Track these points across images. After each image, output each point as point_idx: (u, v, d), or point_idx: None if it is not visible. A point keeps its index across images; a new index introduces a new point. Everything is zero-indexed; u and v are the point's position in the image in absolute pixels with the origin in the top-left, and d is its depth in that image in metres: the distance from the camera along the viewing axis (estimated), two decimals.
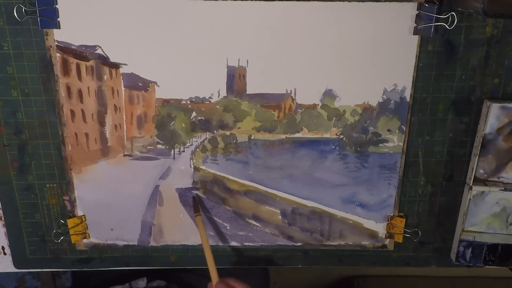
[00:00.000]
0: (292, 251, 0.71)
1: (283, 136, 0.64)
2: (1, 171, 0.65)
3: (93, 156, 0.64)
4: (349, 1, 0.56)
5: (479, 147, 0.62)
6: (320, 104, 0.62)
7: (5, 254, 0.71)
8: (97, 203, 0.67)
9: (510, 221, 0.66)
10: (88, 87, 0.61)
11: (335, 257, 0.71)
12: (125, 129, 0.63)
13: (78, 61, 0.59)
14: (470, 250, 0.67)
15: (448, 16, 0.56)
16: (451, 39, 0.59)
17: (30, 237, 0.69)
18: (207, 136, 0.64)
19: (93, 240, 0.69)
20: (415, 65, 0.60)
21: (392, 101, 0.62)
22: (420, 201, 0.67)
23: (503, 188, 0.63)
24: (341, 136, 0.64)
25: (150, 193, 0.67)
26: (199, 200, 0.67)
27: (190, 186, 0.67)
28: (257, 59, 0.59)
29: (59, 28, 0.57)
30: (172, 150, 0.65)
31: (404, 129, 0.63)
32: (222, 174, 0.66)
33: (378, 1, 0.56)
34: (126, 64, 0.60)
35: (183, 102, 0.62)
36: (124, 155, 0.65)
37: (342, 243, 0.69)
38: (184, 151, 0.65)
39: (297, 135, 0.64)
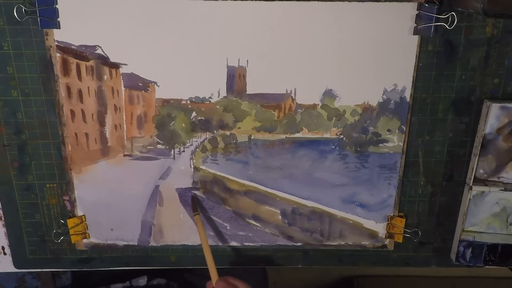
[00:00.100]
0: (292, 251, 0.71)
1: (283, 136, 0.64)
2: (1, 171, 0.65)
3: (93, 156, 0.64)
4: (349, 1, 0.56)
5: (479, 147, 0.62)
6: (320, 104, 0.62)
7: (5, 254, 0.71)
8: (97, 203, 0.67)
9: (510, 221, 0.66)
10: (88, 87, 0.61)
11: (335, 257, 0.71)
12: (125, 129, 0.63)
13: (78, 61, 0.59)
14: (470, 250, 0.67)
15: (448, 16, 0.56)
16: (451, 39, 0.59)
17: (30, 237, 0.69)
18: (207, 136, 0.64)
19: (93, 240, 0.69)
20: (415, 65, 0.60)
21: (392, 101, 0.62)
22: (420, 201, 0.67)
23: (503, 188, 0.63)
24: (341, 136, 0.64)
25: (150, 193, 0.67)
26: (198, 200, 0.67)
27: (190, 186, 0.67)
28: (257, 59, 0.59)
29: (59, 28, 0.57)
30: (172, 150, 0.65)
31: (404, 129, 0.63)
32: (222, 174, 0.66)
33: (378, 1, 0.56)
34: (126, 64, 0.60)
35: (183, 102, 0.62)
36: (124, 155, 0.65)
37: (342, 243, 0.69)
38: (184, 151, 0.65)
39: (297, 135, 0.64)
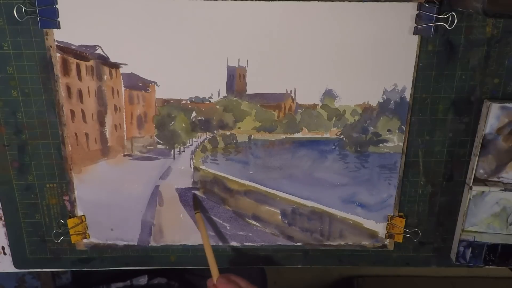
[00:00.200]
0: (292, 251, 0.71)
1: (283, 136, 0.64)
2: (1, 171, 0.65)
3: (93, 156, 0.64)
4: (349, 1, 0.56)
5: (479, 147, 0.62)
6: (320, 104, 0.62)
7: (5, 254, 0.71)
8: (97, 203, 0.67)
9: (510, 221, 0.66)
10: (88, 87, 0.61)
11: (335, 257, 0.71)
12: (125, 129, 0.63)
13: (78, 61, 0.60)
14: (470, 250, 0.67)
15: (448, 16, 0.56)
16: (451, 39, 0.59)
17: (30, 237, 0.69)
18: (207, 136, 0.64)
19: (93, 240, 0.69)
20: (415, 65, 0.60)
21: (392, 101, 0.62)
22: (420, 201, 0.67)
23: (503, 188, 0.63)
24: (341, 136, 0.64)
25: (150, 193, 0.67)
26: (199, 199, 0.67)
27: (190, 186, 0.67)
28: (257, 59, 0.59)
29: (59, 28, 0.57)
30: (172, 150, 0.65)
31: (404, 129, 0.63)
32: (222, 174, 0.66)
33: (378, 1, 0.56)
34: (126, 64, 0.60)
35: (183, 102, 0.62)
36: (124, 155, 0.65)
37: (342, 243, 0.69)
38: (184, 151, 0.65)
39: (297, 135, 0.64)
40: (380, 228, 0.68)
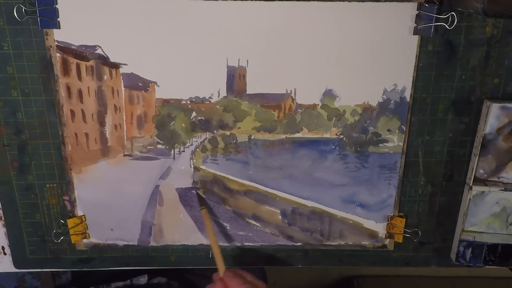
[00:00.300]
0: (292, 251, 0.71)
1: (283, 136, 0.64)
2: (1, 171, 0.65)
3: (93, 156, 0.64)
4: (349, 1, 0.56)
5: (479, 147, 0.62)
6: (320, 104, 0.62)
7: (5, 254, 0.71)
8: (97, 203, 0.67)
9: (510, 221, 0.66)
10: (88, 87, 0.61)
11: (335, 257, 0.71)
12: (125, 129, 0.63)
13: (78, 61, 0.60)
14: (470, 250, 0.67)
15: (448, 16, 0.56)
16: (451, 39, 0.59)
17: (30, 237, 0.69)
18: (207, 136, 0.64)
19: (93, 240, 0.69)
20: (415, 65, 0.60)
21: (392, 101, 0.62)
22: (420, 201, 0.67)
23: (503, 188, 0.63)
24: (341, 136, 0.64)
25: (150, 193, 0.67)
26: (202, 196, 0.67)
27: (190, 186, 0.67)
28: (257, 59, 0.59)
29: (59, 28, 0.57)
30: (172, 150, 0.65)
31: (404, 129, 0.63)
32: (222, 174, 0.66)
33: (378, 1, 0.56)
34: (126, 64, 0.60)
35: (183, 102, 0.62)
36: (124, 155, 0.65)
37: (342, 243, 0.69)
38: (184, 151, 0.65)
39: (297, 135, 0.64)
40: (380, 228, 0.68)
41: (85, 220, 0.68)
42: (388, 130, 0.63)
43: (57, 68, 0.59)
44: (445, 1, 0.56)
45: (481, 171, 0.64)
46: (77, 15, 0.57)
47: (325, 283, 1.49)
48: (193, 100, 0.62)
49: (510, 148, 0.62)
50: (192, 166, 0.66)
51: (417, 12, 0.56)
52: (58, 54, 0.59)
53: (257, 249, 0.71)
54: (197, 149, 0.65)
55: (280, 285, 1.46)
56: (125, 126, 0.63)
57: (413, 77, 0.60)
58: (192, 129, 0.64)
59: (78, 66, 0.60)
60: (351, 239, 0.69)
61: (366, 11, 0.57)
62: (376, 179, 0.66)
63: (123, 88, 0.61)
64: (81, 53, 0.59)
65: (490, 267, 0.68)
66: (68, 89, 0.61)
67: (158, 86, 0.61)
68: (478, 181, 0.64)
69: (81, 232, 0.68)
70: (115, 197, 0.67)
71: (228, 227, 0.69)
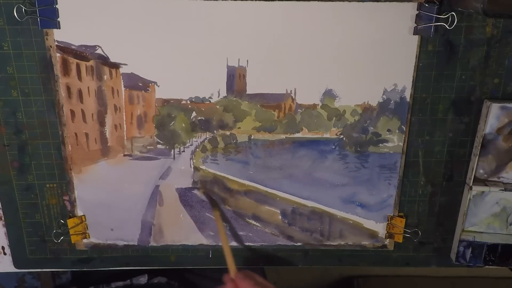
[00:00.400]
0: (292, 251, 0.71)
1: (283, 136, 0.64)
2: (1, 171, 0.65)
3: (93, 156, 0.64)
4: (349, 1, 0.56)
5: (479, 147, 0.62)
6: (320, 104, 0.62)
7: (5, 254, 0.71)
8: (97, 203, 0.67)
9: (510, 221, 0.66)
10: (88, 87, 0.61)
11: (335, 257, 0.71)
12: (125, 129, 0.63)
13: (78, 61, 0.59)
14: (470, 250, 0.67)
15: (448, 16, 0.56)
16: (451, 39, 0.59)
17: (30, 237, 0.69)
18: (207, 136, 0.64)
19: (93, 240, 0.69)
20: (415, 65, 0.60)
21: (392, 101, 0.62)
22: (420, 201, 0.67)
23: (503, 188, 0.63)
24: (341, 136, 0.64)
25: (150, 193, 0.67)
26: (212, 196, 0.67)
27: (190, 186, 0.67)
28: (257, 59, 0.59)
29: (59, 28, 0.57)
30: (172, 150, 0.65)
31: (404, 129, 0.63)
32: (222, 174, 0.66)
33: (378, 1, 0.56)
34: (126, 64, 0.60)
35: (183, 102, 0.62)
36: (124, 155, 0.65)
37: (342, 243, 0.69)
38: (184, 151, 0.65)
39: (297, 135, 0.64)
40: (380, 228, 0.68)
41: (85, 220, 0.68)
42: (388, 130, 0.63)
43: (57, 68, 0.59)
44: (445, 1, 0.56)
45: (481, 171, 0.64)
46: (77, 15, 0.57)
47: (325, 283, 1.49)
48: (193, 100, 0.62)
49: (510, 148, 0.62)
50: (192, 166, 0.66)
51: (417, 12, 0.56)
52: (58, 54, 0.59)
53: (257, 249, 0.71)
54: (197, 149, 0.65)
55: (280, 285, 1.45)
56: (125, 126, 0.63)
57: (413, 77, 0.60)
58: (192, 129, 0.64)
59: (78, 66, 0.60)
60: (351, 239, 0.69)
61: (366, 11, 0.57)
62: (376, 179, 0.66)
63: (123, 88, 0.61)
64: (81, 53, 0.59)
65: (490, 267, 0.68)
66: (68, 89, 0.61)
67: (158, 86, 0.61)
68: (478, 181, 0.64)
69: (81, 232, 0.68)
70: (115, 197, 0.67)
71: (228, 227, 0.69)
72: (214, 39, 0.58)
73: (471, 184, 0.64)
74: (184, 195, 0.67)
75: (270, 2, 0.57)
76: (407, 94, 0.61)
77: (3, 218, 0.68)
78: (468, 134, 0.63)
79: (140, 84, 0.61)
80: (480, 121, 0.62)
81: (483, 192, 0.64)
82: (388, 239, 0.69)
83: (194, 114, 0.63)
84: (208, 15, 0.57)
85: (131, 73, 0.60)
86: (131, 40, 0.58)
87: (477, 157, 0.62)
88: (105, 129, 0.63)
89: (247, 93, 0.61)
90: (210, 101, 0.62)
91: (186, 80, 0.61)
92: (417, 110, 0.62)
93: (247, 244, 0.70)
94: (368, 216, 0.68)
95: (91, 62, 0.60)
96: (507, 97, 0.61)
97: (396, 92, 0.61)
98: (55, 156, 0.64)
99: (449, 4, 0.55)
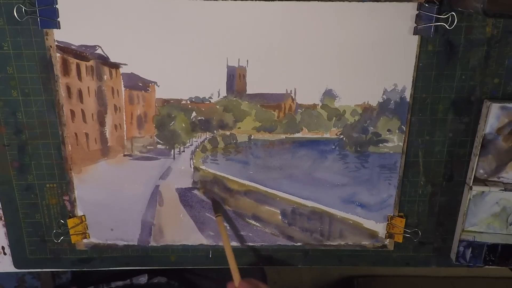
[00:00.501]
0: (292, 251, 0.71)
1: (283, 136, 0.64)
2: (1, 171, 0.65)
3: (93, 156, 0.64)
4: (349, 1, 0.56)
5: (479, 147, 0.62)
6: (320, 104, 0.62)
7: (5, 254, 0.71)
8: (97, 203, 0.67)
9: (510, 221, 0.66)
10: (88, 87, 0.61)
11: (335, 257, 0.71)
12: (125, 129, 0.63)
13: (78, 61, 0.59)
14: (470, 250, 0.67)
15: (448, 16, 0.56)
16: (451, 39, 0.59)
17: (30, 237, 0.69)
18: (207, 136, 0.64)
19: (93, 240, 0.69)
20: (415, 65, 0.60)
21: (392, 101, 0.62)
22: (420, 201, 0.67)
23: (503, 188, 0.63)
24: (341, 136, 0.64)
25: (150, 193, 0.67)
26: (218, 202, 0.67)
27: (190, 186, 0.67)
28: (257, 59, 0.59)
29: (59, 28, 0.57)
30: (172, 150, 0.65)
31: (404, 129, 0.63)
32: (222, 174, 0.66)
33: (378, 1, 0.56)
34: (126, 64, 0.60)
35: (183, 102, 0.62)
36: (124, 155, 0.65)
37: (342, 243, 0.69)
38: (184, 151, 0.65)
39: (297, 135, 0.64)
40: (380, 228, 0.68)
41: (85, 220, 0.68)
42: (388, 130, 0.63)
43: (57, 68, 0.60)
44: (445, 1, 0.56)
45: (481, 171, 0.64)
46: (77, 15, 0.57)
47: (325, 283, 1.49)
48: (193, 100, 0.62)
49: (510, 148, 0.62)
50: (192, 166, 0.66)
51: (417, 12, 0.56)
52: (58, 54, 0.59)
53: (257, 249, 0.71)
54: (197, 149, 0.65)
55: (280, 285, 1.46)
56: (125, 126, 0.63)
57: (413, 77, 0.60)
58: (192, 129, 0.64)
59: (78, 66, 0.60)
60: (351, 239, 0.69)
61: (366, 11, 0.57)
62: (376, 179, 0.66)
63: (123, 88, 0.61)
64: (81, 53, 0.59)
65: (490, 267, 0.68)
66: (68, 89, 0.61)
67: (158, 86, 0.61)
68: (478, 181, 0.64)
69: (81, 232, 0.68)
70: (115, 197, 0.67)
71: (228, 227, 0.69)
72: (214, 39, 0.58)
73: (471, 184, 0.64)
74: (184, 195, 0.67)
75: (270, 2, 0.57)
76: (407, 94, 0.61)
77: (3, 218, 0.68)
78: (468, 134, 0.63)
79: (140, 84, 0.61)
80: (480, 121, 0.62)
81: (483, 192, 0.64)
82: (388, 239, 0.69)
83: (194, 114, 0.63)
84: (208, 15, 0.57)
85: (131, 73, 0.60)
86: (131, 40, 0.58)
87: (477, 157, 0.62)
88: (105, 129, 0.63)
89: (247, 93, 0.61)
90: (210, 101, 0.62)
91: (186, 80, 0.61)
92: (417, 110, 0.62)
93: (247, 244, 0.70)
94: (368, 216, 0.68)
95: (91, 62, 0.60)
96: (507, 97, 0.61)
97: (396, 92, 0.61)
98: (55, 156, 0.64)
99: (449, 4, 0.55)
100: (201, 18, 0.57)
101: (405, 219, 0.68)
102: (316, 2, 0.56)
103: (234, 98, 0.62)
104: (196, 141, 0.65)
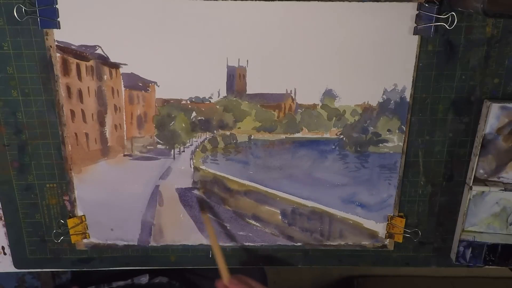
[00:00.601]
0: (292, 251, 0.71)
1: (283, 136, 0.64)
2: (1, 171, 0.65)
3: (93, 156, 0.64)
4: (349, 1, 0.56)
5: (479, 147, 0.62)
6: (320, 104, 0.62)
7: (5, 254, 0.71)
8: (97, 203, 0.67)
9: (510, 221, 0.66)
10: (88, 87, 0.61)
11: (335, 257, 0.71)
12: (125, 129, 0.63)
13: (78, 61, 0.60)
14: (470, 250, 0.67)
15: (448, 16, 0.56)
16: (451, 39, 0.59)
17: (30, 237, 0.69)
18: (207, 136, 0.64)
19: (93, 240, 0.69)
20: (415, 65, 0.60)
21: (392, 101, 0.62)
22: (420, 201, 0.67)
23: (503, 188, 0.63)
24: (341, 136, 0.64)
25: (150, 193, 0.67)
26: (203, 200, 0.67)
27: (190, 186, 0.67)
28: (257, 59, 0.59)
29: (59, 28, 0.57)
30: (172, 150, 0.65)
31: (404, 129, 0.63)
32: (222, 174, 0.66)
33: (378, 1, 0.56)
34: (126, 64, 0.60)
35: (183, 102, 0.62)
36: (124, 155, 0.65)
37: (342, 243, 0.69)
38: (184, 151, 0.65)
39: (297, 135, 0.64)
40: (380, 228, 0.68)
41: (85, 220, 0.68)
42: (388, 130, 0.63)
43: (57, 68, 0.60)
44: (445, 1, 0.56)
45: (481, 171, 0.64)
46: (77, 15, 0.57)
47: (325, 283, 1.49)
48: (193, 100, 0.62)
49: (510, 148, 0.62)
50: (192, 166, 0.66)
51: (417, 12, 0.56)
52: (58, 54, 0.59)
53: (257, 249, 0.71)
54: (197, 149, 0.65)
55: (280, 285, 1.46)
56: (125, 126, 0.63)
57: (413, 77, 0.60)
58: (192, 129, 0.64)
59: (78, 66, 0.60)
60: (351, 239, 0.69)
61: (366, 11, 0.57)
62: (376, 179, 0.66)
63: (123, 88, 0.61)
64: (81, 53, 0.59)
65: (490, 267, 0.68)
66: (68, 89, 0.61)
67: (158, 86, 0.61)
68: (478, 181, 0.64)
69: (81, 232, 0.68)
70: (115, 197, 0.67)
71: (228, 227, 0.69)
72: (214, 39, 0.58)
73: (471, 184, 0.64)
74: (184, 195, 0.67)
75: (270, 2, 0.57)
76: (407, 94, 0.61)
77: (3, 218, 0.68)
78: (468, 134, 0.63)
79: (140, 84, 0.61)
80: (480, 121, 0.62)
81: (483, 192, 0.64)
82: (388, 239, 0.69)
83: (194, 114, 0.63)
84: (208, 15, 0.57)
85: (131, 73, 0.60)
86: (131, 40, 0.58)
87: (477, 157, 0.62)
88: (105, 129, 0.63)
89: (247, 93, 0.61)
90: (210, 101, 0.62)
91: (186, 80, 0.61)
92: (417, 110, 0.62)
93: (247, 244, 0.70)
94: (368, 216, 0.68)
95: (91, 62, 0.60)
96: (507, 97, 0.61)
97: (396, 92, 0.61)
98: (55, 156, 0.64)
99: (449, 4, 0.55)
100: (201, 18, 0.57)
101: (405, 219, 0.68)
102: (316, 2, 0.56)
103: (234, 98, 0.62)
104: (196, 141, 0.65)
